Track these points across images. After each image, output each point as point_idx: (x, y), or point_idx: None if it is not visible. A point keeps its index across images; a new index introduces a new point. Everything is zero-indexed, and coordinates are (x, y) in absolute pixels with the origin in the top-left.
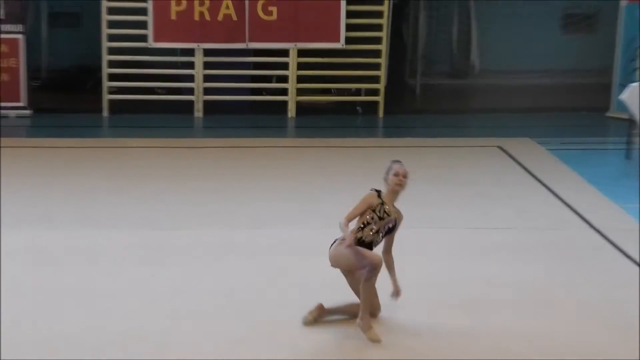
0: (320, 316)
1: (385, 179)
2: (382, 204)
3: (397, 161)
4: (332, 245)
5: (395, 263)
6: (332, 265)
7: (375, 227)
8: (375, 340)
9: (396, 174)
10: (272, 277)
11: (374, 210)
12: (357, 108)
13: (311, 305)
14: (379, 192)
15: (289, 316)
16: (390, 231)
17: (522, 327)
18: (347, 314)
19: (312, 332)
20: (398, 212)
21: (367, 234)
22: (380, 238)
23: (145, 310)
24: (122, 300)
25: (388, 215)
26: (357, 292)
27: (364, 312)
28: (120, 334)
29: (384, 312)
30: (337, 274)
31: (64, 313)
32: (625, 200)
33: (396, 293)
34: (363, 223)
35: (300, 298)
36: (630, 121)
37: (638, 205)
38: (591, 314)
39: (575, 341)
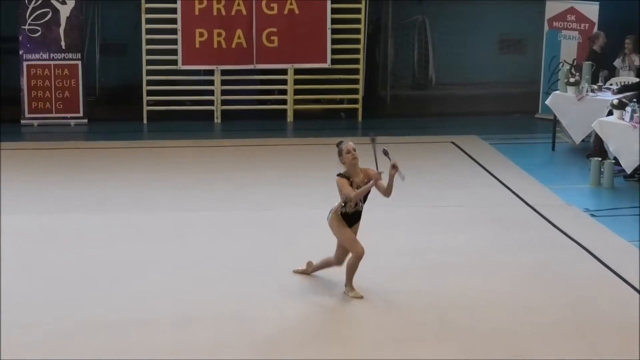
0: (308, 269)
1: (342, 161)
2: (351, 182)
3: (341, 142)
4: (328, 215)
5: (371, 236)
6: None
7: (354, 201)
8: (358, 297)
9: (348, 152)
10: (279, 247)
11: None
12: (341, 114)
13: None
14: (342, 174)
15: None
16: (365, 199)
17: (474, 284)
18: (325, 266)
19: (302, 284)
20: (366, 173)
21: (350, 208)
22: (362, 204)
23: (177, 274)
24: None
25: (359, 186)
26: (338, 258)
27: (348, 281)
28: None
29: (365, 277)
30: (326, 243)
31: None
32: (552, 182)
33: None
34: (344, 201)
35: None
36: (555, 121)
37: (568, 187)
38: (526, 271)
39: (515, 293)
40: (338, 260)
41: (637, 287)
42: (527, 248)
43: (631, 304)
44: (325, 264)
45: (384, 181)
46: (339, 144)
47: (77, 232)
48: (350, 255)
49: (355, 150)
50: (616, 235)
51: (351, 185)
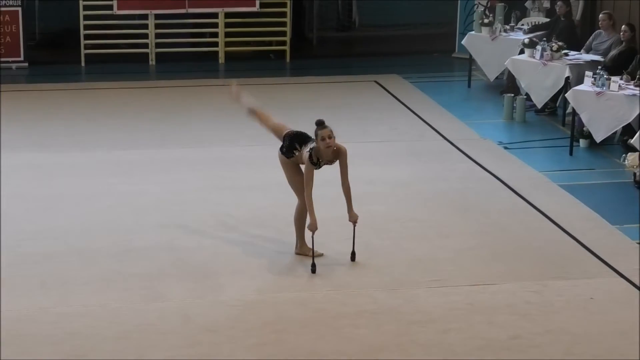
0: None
1: (317, 144)
2: (319, 163)
3: (321, 124)
4: (280, 151)
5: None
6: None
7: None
8: (311, 254)
9: (323, 139)
10: (213, 183)
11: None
12: (270, 55)
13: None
14: (311, 156)
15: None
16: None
17: (396, 211)
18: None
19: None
20: (337, 152)
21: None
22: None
23: (116, 208)
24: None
25: (327, 163)
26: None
27: (301, 240)
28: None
29: (291, 210)
30: (258, 178)
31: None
32: (467, 118)
33: (352, 219)
34: (316, 158)
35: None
36: (470, 59)
37: (483, 121)
38: (444, 200)
39: (434, 221)
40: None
41: (547, 214)
42: (446, 179)
43: (542, 230)
44: (300, 219)
45: None
46: (319, 124)
47: (18, 170)
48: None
49: (331, 139)
50: (528, 166)
51: (318, 162)
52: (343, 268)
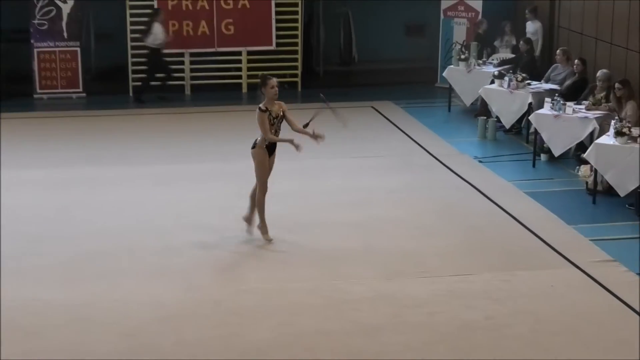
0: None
1: (264, 92)
2: (270, 112)
3: (266, 75)
4: (254, 145)
5: (302, 180)
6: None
7: (274, 128)
8: (269, 240)
9: (272, 87)
10: (239, 192)
11: (269, 121)
12: (285, 85)
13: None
14: (261, 108)
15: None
16: (282, 119)
17: (390, 214)
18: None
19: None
20: (280, 105)
21: (272, 136)
22: (279, 129)
23: (159, 213)
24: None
25: (277, 116)
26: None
27: (261, 219)
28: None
29: (299, 212)
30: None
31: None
32: (448, 136)
33: (316, 137)
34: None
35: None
36: (450, 89)
37: (461, 140)
38: (430, 205)
39: (421, 222)
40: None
41: (514, 216)
42: (431, 188)
43: (510, 229)
44: (254, 202)
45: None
46: (264, 77)
47: (77, 182)
48: (257, 191)
49: (277, 87)
50: (498, 176)
51: (270, 114)
52: (346, 262)
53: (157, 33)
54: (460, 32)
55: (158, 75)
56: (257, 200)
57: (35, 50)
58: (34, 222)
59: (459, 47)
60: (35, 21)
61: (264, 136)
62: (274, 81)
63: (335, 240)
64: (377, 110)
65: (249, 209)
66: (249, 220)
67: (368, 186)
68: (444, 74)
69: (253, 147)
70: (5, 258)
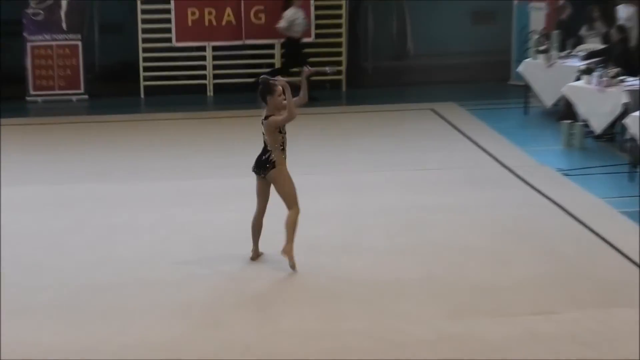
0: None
1: (270, 100)
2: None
3: (269, 79)
4: (269, 164)
5: (353, 197)
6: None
7: (282, 139)
8: (293, 266)
9: (280, 95)
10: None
11: (279, 130)
12: (326, 85)
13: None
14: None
15: None
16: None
17: (454, 239)
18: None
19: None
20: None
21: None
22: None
23: (176, 237)
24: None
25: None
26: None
27: (291, 241)
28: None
29: (350, 236)
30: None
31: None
32: (526, 144)
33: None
34: (282, 144)
35: None
36: (526, 87)
37: (541, 148)
38: (503, 227)
39: (494, 249)
40: (261, 214)
41: (608, 240)
42: (504, 206)
43: (603, 256)
44: (257, 229)
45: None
46: (269, 83)
47: (80, 201)
48: (289, 211)
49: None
50: (587, 192)
51: (281, 135)
52: (401, 296)
53: (294, 19)
54: (538, 19)
55: (292, 70)
56: (294, 221)
57: (29, 44)
58: (28, 249)
59: (537, 36)
60: (29, 10)
61: (288, 118)
62: (280, 87)
63: (388, 269)
64: (437, 113)
65: (253, 245)
66: (257, 255)
67: (427, 204)
68: (519, 70)
69: (272, 167)
70: None
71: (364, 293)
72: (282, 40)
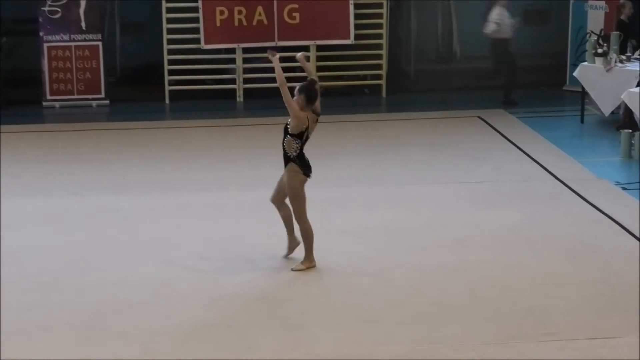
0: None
1: (304, 104)
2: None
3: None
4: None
5: (397, 212)
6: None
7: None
8: (306, 267)
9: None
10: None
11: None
12: (365, 90)
13: None
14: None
15: None
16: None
17: (503, 258)
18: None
19: None
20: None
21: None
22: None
23: (201, 253)
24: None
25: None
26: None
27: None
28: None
29: (394, 253)
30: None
31: (140, 257)
32: (582, 156)
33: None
34: (299, 147)
35: None
36: (583, 92)
37: (598, 160)
38: (557, 246)
39: (546, 268)
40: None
41: None
42: (558, 222)
43: None
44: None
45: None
46: (314, 84)
47: (100, 213)
48: (299, 226)
49: None
50: None
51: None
52: (447, 319)
53: (501, 19)
54: (596, 19)
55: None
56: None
57: (45, 45)
58: (42, 266)
59: (595, 38)
60: (46, 8)
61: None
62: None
63: (432, 290)
64: (485, 121)
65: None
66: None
67: (475, 220)
68: (574, 74)
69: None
70: (6, 312)
71: (406, 315)
72: (492, 41)
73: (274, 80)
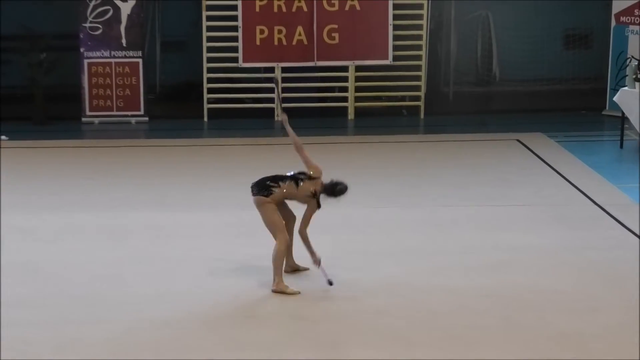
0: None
1: (318, 194)
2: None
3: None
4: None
5: (433, 235)
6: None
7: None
8: (295, 292)
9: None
10: (342, 246)
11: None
12: (403, 111)
13: None
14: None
15: None
16: None
17: (539, 282)
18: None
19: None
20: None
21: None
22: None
23: (240, 271)
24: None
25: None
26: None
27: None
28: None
29: (428, 277)
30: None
31: (178, 274)
32: (620, 181)
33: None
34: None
35: None
36: (623, 117)
37: (637, 185)
38: (593, 271)
39: (582, 294)
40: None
41: None
42: (595, 248)
43: None
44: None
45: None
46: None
47: (137, 230)
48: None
49: None
50: None
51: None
52: (481, 344)
53: None
54: (637, 44)
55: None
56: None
57: (86, 61)
58: (79, 281)
59: (636, 63)
60: (87, 24)
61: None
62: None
63: (466, 313)
64: (524, 144)
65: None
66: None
67: (511, 244)
68: (614, 99)
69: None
70: (42, 326)
71: (440, 338)
72: None
73: (312, 99)
